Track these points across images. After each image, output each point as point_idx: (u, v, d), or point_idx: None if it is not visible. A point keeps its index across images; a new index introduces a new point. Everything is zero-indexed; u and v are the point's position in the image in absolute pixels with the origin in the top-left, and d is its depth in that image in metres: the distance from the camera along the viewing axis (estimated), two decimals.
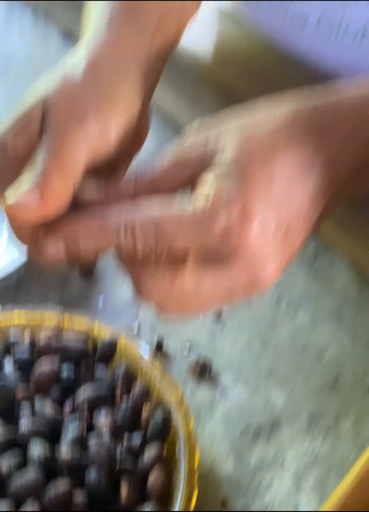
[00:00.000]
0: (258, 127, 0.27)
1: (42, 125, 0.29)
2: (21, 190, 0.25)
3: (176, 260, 0.24)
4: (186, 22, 0.42)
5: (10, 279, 0.45)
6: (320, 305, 0.43)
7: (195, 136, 0.27)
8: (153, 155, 0.28)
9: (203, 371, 0.40)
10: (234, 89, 0.47)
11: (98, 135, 0.29)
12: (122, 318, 0.43)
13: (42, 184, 0.26)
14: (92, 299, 0.45)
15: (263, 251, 0.24)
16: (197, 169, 0.26)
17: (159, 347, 0.41)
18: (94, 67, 0.31)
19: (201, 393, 0.39)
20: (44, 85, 0.31)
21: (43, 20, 0.79)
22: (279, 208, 0.24)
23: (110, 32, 0.34)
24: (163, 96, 0.57)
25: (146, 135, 0.35)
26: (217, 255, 0.24)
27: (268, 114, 0.28)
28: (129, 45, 0.34)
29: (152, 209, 0.24)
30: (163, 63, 0.38)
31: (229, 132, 0.27)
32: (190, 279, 0.24)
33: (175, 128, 0.59)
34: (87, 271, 0.47)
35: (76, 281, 0.46)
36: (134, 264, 0.25)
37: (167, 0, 0.37)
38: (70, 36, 0.75)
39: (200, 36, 0.53)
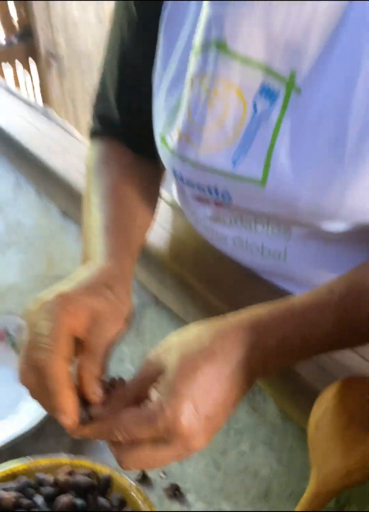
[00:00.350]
0: (190, 346, 0.44)
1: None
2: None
3: (139, 441, 0.42)
4: (149, 227, 0.65)
5: (32, 431, 0.63)
6: (256, 433, 0.60)
7: (151, 357, 0.45)
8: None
9: (175, 492, 0.56)
10: (184, 277, 0.67)
11: (113, 330, 0.47)
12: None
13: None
14: (94, 443, 0.62)
15: (190, 434, 0.41)
16: (154, 379, 0.44)
17: (144, 477, 0.58)
18: (105, 284, 0.49)
19: (173, 508, 0.55)
20: (75, 283, 0.48)
21: (45, 198, 1.01)
22: (200, 409, 0.41)
23: (110, 257, 0.53)
24: (140, 272, 0.77)
25: (129, 322, 0.52)
26: (163, 439, 0.42)
27: (201, 334, 0.44)
28: (124, 264, 0.54)
29: (126, 416, 0.42)
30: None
31: (169, 352, 0.44)
32: (146, 451, 0.42)
33: (148, 294, 0.78)
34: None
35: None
36: (115, 445, 0.43)
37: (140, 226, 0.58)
38: (68, 215, 0.96)
39: (159, 230, 0.74)
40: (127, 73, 0.66)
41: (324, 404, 0.48)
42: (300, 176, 0.52)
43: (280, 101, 0.52)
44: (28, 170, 1.03)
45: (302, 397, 0.55)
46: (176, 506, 0.55)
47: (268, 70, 0.52)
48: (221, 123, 0.55)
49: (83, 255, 0.58)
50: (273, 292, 0.63)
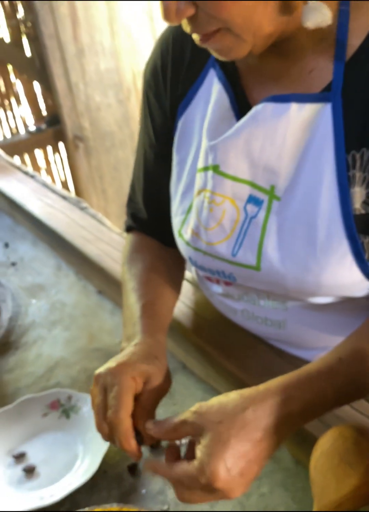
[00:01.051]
0: (227, 413, 0.54)
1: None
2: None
3: (192, 488, 0.54)
4: (175, 304, 0.80)
5: (86, 485, 0.75)
6: (274, 478, 0.71)
7: (193, 416, 0.56)
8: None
9: None
10: (203, 346, 0.80)
11: (161, 388, 0.63)
12: (157, 502, 0.72)
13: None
14: (138, 491, 0.74)
15: (227, 488, 0.53)
16: (194, 433, 0.56)
17: None
18: (148, 352, 0.66)
19: None
20: (124, 356, 0.64)
21: (83, 279, 1.17)
22: (233, 470, 0.52)
23: (149, 335, 0.69)
24: (169, 343, 0.90)
25: (170, 382, 0.68)
26: (207, 489, 0.53)
27: (236, 403, 0.55)
28: (159, 339, 0.70)
29: (178, 470, 0.55)
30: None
31: (209, 415, 0.55)
32: (199, 494, 0.54)
33: (177, 361, 0.91)
34: (132, 469, 0.77)
35: (128, 479, 0.76)
36: (177, 485, 0.55)
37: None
38: (103, 293, 1.11)
39: (182, 305, 0.88)
40: (150, 183, 0.83)
41: (320, 448, 0.59)
42: (284, 264, 0.65)
43: (265, 206, 0.67)
44: (67, 256, 1.19)
45: (306, 444, 0.66)
46: None
47: (253, 185, 0.67)
48: (220, 224, 0.70)
49: (124, 334, 0.74)
50: (277, 354, 0.75)
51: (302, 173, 0.63)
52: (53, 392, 0.87)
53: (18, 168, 1.47)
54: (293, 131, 0.62)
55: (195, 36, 0.59)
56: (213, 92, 0.69)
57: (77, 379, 0.94)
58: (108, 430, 0.62)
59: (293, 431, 0.58)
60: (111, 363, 0.64)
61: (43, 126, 2.68)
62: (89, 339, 1.03)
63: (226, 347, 0.78)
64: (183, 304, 0.88)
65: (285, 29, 0.58)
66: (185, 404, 0.85)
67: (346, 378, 0.57)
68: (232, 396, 0.57)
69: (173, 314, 0.86)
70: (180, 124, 0.75)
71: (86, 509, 0.69)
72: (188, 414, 0.57)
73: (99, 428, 0.64)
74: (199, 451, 0.54)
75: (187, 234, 0.75)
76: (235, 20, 0.54)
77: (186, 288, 0.91)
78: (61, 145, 2.72)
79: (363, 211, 0.61)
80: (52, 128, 2.67)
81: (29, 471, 0.79)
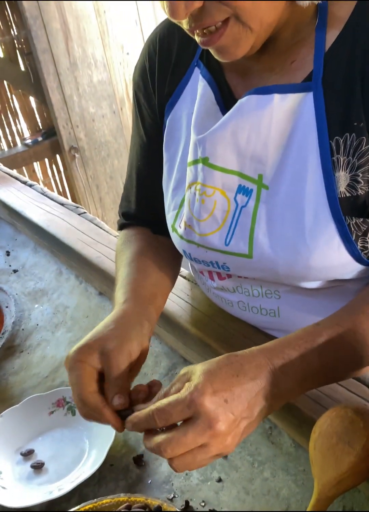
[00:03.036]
0: (211, 364, 0.56)
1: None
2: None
3: (174, 424, 0.55)
4: (167, 295, 0.82)
5: (94, 478, 0.77)
6: (276, 462, 0.73)
7: (179, 377, 0.58)
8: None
9: None
10: (203, 338, 0.82)
11: (123, 359, 0.64)
12: (163, 491, 0.74)
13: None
14: (144, 482, 0.76)
15: (212, 410, 0.52)
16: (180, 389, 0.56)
17: (187, 505, 0.71)
18: (116, 323, 0.68)
19: None
20: (92, 333, 0.67)
21: (84, 282, 1.19)
22: (219, 392, 0.53)
23: (124, 306, 0.71)
24: (169, 338, 0.93)
25: (146, 356, 0.70)
26: (191, 419, 0.53)
27: (219, 360, 0.57)
28: (134, 314, 0.71)
29: (161, 402, 0.55)
30: (156, 315, 0.75)
31: (196, 367, 0.57)
32: (178, 432, 0.54)
33: (178, 355, 0.94)
34: (138, 460, 0.79)
35: (134, 470, 0.78)
36: (164, 449, 0.54)
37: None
38: (103, 294, 1.13)
39: (181, 301, 0.90)
40: (142, 182, 0.86)
41: (318, 429, 0.61)
42: (275, 249, 0.68)
43: (254, 195, 0.69)
44: (67, 260, 1.22)
45: (305, 427, 0.68)
46: None
47: (241, 175, 0.70)
48: (212, 215, 0.73)
49: (114, 299, 0.76)
50: None
51: (287, 161, 0.66)
52: (58, 391, 0.90)
53: (17, 178, 1.50)
54: (277, 121, 0.65)
55: (199, 39, 0.60)
56: (198, 89, 0.72)
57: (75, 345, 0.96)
58: (84, 411, 0.64)
59: (277, 387, 0.58)
60: (77, 344, 0.67)
61: (40, 138, 2.72)
62: None
63: (225, 339, 0.80)
64: (181, 299, 0.90)
65: (282, 18, 0.60)
66: None
67: (327, 340, 0.59)
68: (218, 360, 0.58)
69: (172, 309, 0.89)
70: (168, 122, 0.77)
71: (94, 500, 0.71)
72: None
73: (80, 412, 0.65)
74: (184, 388, 0.55)
75: (180, 228, 0.78)
76: (245, 5, 0.55)
77: (184, 284, 0.94)
78: (57, 156, 2.76)
79: (348, 194, 0.64)
80: (49, 140, 2.71)
81: (38, 467, 0.81)
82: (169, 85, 0.76)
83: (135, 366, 0.68)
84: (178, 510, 0.67)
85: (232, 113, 0.67)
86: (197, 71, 0.73)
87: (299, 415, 0.69)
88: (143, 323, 0.70)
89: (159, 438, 0.55)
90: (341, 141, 0.63)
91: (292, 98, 0.64)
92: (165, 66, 0.76)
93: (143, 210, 0.87)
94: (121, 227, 0.91)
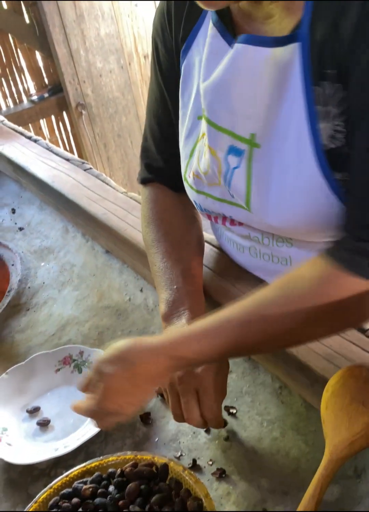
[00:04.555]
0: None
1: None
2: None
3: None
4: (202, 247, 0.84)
5: (100, 436, 0.76)
6: (285, 422, 0.72)
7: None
8: None
9: (221, 475, 0.68)
10: (214, 299, 0.80)
11: None
12: (170, 449, 0.73)
13: None
14: (151, 440, 0.75)
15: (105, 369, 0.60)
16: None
17: (194, 464, 0.70)
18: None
19: (221, 488, 0.67)
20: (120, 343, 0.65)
21: (90, 240, 1.16)
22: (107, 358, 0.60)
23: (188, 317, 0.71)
24: None
25: None
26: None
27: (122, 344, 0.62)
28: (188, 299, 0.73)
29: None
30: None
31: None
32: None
33: None
34: (145, 418, 0.78)
35: (141, 429, 0.77)
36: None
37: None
38: (110, 252, 1.11)
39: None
40: (161, 129, 0.84)
41: (330, 389, 0.59)
42: (266, 207, 0.67)
43: (246, 155, 0.68)
44: (73, 217, 1.19)
45: (317, 386, 0.66)
46: (223, 485, 0.67)
47: (233, 135, 0.68)
48: (210, 170, 0.73)
49: (163, 297, 0.76)
50: None
51: (279, 116, 0.64)
52: (65, 348, 0.88)
53: (21, 134, 1.46)
54: (270, 75, 0.63)
55: None
56: (208, 35, 0.69)
57: (88, 336, 0.94)
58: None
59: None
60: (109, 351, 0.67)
61: (46, 94, 2.65)
62: (99, 298, 1.04)
63: (235, 297, 0.78)
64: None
65: None
66: None
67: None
68: (122, 343, 0.63)
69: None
70: (183, 68, 0.76)
71: (100, 457, 0.70)
72: None
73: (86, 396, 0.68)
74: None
75: (190, 177, 0.77)
76: None
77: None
78: (64, 113, 2.70)
79: (332, 146, 0.61)
80: (55, 96, 2.64)
81: (44, 425, 0.80)
82: (184, 30, 0.74)
83: None
84: (185, 468, 0.66)
85: (227, 63, 0.65)
86: (208, 16, 0.70)
87: (310, 374, 0.67)
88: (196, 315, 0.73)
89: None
90: (321, 89, 0.59)
91: (283, 51, 0.61)
92: (180, 10, 0.74)
93: (166, 161, 0.85)
94: (143, 181, 0.89)
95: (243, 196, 0.70)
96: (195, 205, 0.80)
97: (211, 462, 0.70)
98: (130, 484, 0.64)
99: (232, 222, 0.77)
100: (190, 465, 0.70)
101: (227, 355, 0.67)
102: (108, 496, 0.64)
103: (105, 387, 0.62)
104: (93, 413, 0.65)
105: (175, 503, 0.62)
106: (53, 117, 2.71)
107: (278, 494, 0.64)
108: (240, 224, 0.76)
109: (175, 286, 0.75)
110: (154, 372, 0.62)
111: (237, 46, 0.64)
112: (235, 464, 0.69)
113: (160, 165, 0.85)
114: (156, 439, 0.75)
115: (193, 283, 0.76)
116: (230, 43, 0.66)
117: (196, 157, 0.75)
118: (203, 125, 0.72)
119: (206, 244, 0.91)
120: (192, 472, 0.65)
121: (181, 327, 0.70)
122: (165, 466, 0.65)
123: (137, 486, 0.64)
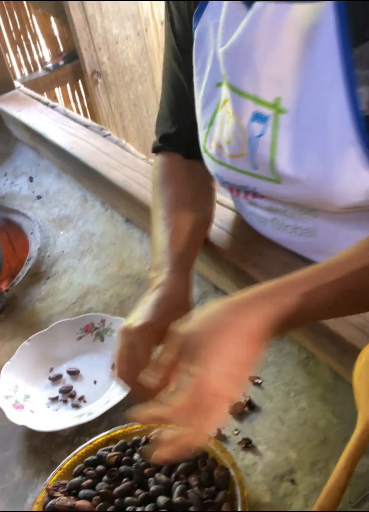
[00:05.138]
0: (205, 321, 0.51)
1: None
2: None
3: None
4: (210, 220, 0.79)
5: (123, 404, 0.75)
6: (313, 392, 0.70)
7: (171, 340, 0.53)
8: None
9: (247, 445, 0.67)
10: (239, 265, 0.78)
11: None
12: None
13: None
14: None
15: (196, 341, 0.49)
16: (176, 358, 0.52)
17: (219, 433, 0.69)
18: (161, 299, 0.64)
19: (247, 458, 0.66)
20: (137, 313, 0.63)
21: (109, 209, 1.14)
22: (203, 329, 0.49)
23: (167, 279, 0.67)
24: (200, 266, 0.89)
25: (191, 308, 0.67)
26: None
27: (216, 310, 0.51)
28: (183, 273, 0.68)
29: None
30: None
31: (187, 338, 0.51)
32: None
33: (209, 284, 0.90)
34: None
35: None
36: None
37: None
38: (130, 221, 1.09)
39: (215, 227, 0.85)
40: (176, 95, 0.80)
41: (364, 358, 0.57)
42: (298, 176, 0.63)
43: (270, 122, 0.64)
44: (92, 185, 1.17)
45: (347, 356, 0.64)
46: (249, 455, 0.66)
47: (257, 100, 0.64)
48: (235, 139, 0.68)
49: (152, 262, 0.72)
50: None
51: (307, 80, 0.60)
52: (86, 316, 0.87)
53: (38, 100, 1.43)
54: (295, 35, 0.59)
55: None
56: None
57: (109, 304, 0.93)
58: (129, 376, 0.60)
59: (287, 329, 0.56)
60: (134, 321, 0.62)
61: (61, 62, 2.59)
62: (119, 267, 1.02)
63: (263, 265, 0.75)
64: (214, 225, 0.85)
65: None
66: None
67: (334, 280, 0.50)
68: (212, 305, 0.52)
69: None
70: (196, 33, 0.72)
71: (125, 425, 0.69)
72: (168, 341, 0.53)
73: (120, 373, 0.61)
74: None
75: (211, 148, 0.73)
76: None
77: (217, 208, 0.88)
78: (79, 82, 2.65)
79: None
80: (70, 64, 2.59)
81: (66, 392, 0.80)
82: None
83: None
84: (211, 436, 0.64)
85: (247, 24, 0.61)
86: None
87: (340, 344, 0.65)
88: (189, 290, 0.69)
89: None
90: (360, 52, 0.55)
91: (311, 7, 0.57)
92: None
93: (179, 127, 0.81)
94: (155, 150, 0.86)
95: (267, 166, 0.66)
96: (216, 178, 0.77)
97: (236, 432, 0.69)
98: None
99: (254, 195, 0.74)
100: (215, 435, 0.69)
101: (338, 307, 0.53)
102: (134, 464, 0.64)
103: (205, 369, 0.48)
104: (181, 415, 0.49)
105: (202, 473, 0.61)
106: (68, 86, 2.66)
107: (306, 465, 0.63)
108: (262, 196, 0.73)
109: (160, 250, 0.71)
110: (256, 329, 0.49)
111: (257, 4, 0.60)
112: (260, 434, 0.68)
113: (173, 132, 0.82)
114: None
115: (178, 246, 0.71)
116: (248, 5, 0.62)
117: (217, 126, 0.71)
118: (224, 92, 0.68)
119: (229, 211, 0.88)
120: (218, 442, 0.64)
121: (161, 292, 0.65)
122: None
123: None
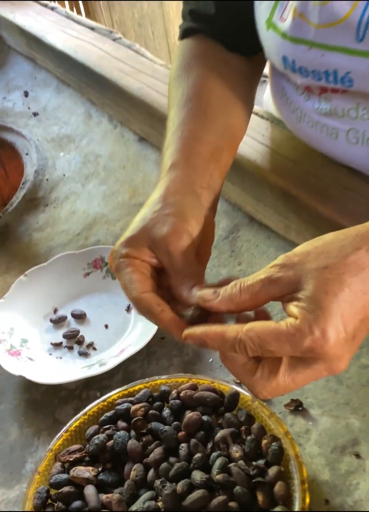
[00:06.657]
0: (332, 256, 0.38)
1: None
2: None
3: (274, 360, 0.38)
4: (236, 148, 0.58)
5: (141, 353, 0.62)
6: None
7: (282, 270, 0.39)
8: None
9: (297, 408, 0.54)
10: (286, 189, 0.62)
11: (183, 243, 0.45)
12: (229, 373, 0.58)
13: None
14: (204, 360, 0.61)
15: (337, 355, 0.37)
16: (285, 292, 0.39)
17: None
18: (165, 199, 0.47)
19: (298, 424, 0.54)
20: (137, 219, 0.47)
21: (119, 126, 0.98)
22: (347, 326, 0.36)
23: (172, 174, 0.50)
24: (233, 192, 0.73)
25: (213, 233, 0.50)
26: (304, 360, 0.37)
27: (342, 243, 0.38)
28: (186, 181, 0.50)
29: (263, 330, 0.37)
30: (221, 179, 0.53)
31: (307, 262, 0.38)
32: (284, 376, 0.38)
33: (242, 214, 0.75)
34: None
35: (190, 346, 0.62)
36: (247, 375, 0.39)
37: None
38: (145, 139, 0.92)
39: (255, 143, 0.69)
40: None
41: None
42: None
43: None
44: (99, 98, 0.99)
45: None
46: (300, 420, 0.54)
47: None
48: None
49: (162, 163, 0.54)
50: None
51: None
52: (95, 249, 0.73)
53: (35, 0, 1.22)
54: None
55: None
56: None
57: (120, 237, 0.79)
58: (141, 310, 0.46)
59: None
60: (122, 237, 0.48)
61: None
62: (131, 194, 0.87)
63: (318, 189, 0.60)
64: (254, 140, 0.69)
65: None
66: (254, 264, 0.70)
67: None
68: (329, 238, 0.40)
69: (241, 152, 0.67)
70: None
71: (146, 379, 0.56)
72: (270, 270, 0.39)
73: (137, 309, 0.47)
74: (297, 308, 0.37)
75: (285, 20, 0.55)
76: None
77: (257, 121, 0.72)
78: None
79: None
80: None
81: (72, 337, 0.66)
82: None
83: (201, 250, 0.48)
84: (255, 398, 0.52)
85: None
86: None
87: None
88: (200, 192, 0.50)
89: (255, 378, 0.39)
90: None
91: None
92: None
93: (218, 5, 0.61)
94: (186, 32, 0.65)
95: None
96: (284, 64, 0.57)
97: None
98: (190, 413, 0.50)
99: (334, 90, 0.56)
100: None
101: None
102: (164, 425, 0.51)
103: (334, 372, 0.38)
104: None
105: (246, 443, 0.48)
106: (67, 3, 2.41)
107: None
108: (344, 91, 0.55)
109: (168, 142, 0.54)
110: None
111: None
112: (313, 395, 0.55)
113: (210, 10, 0.62)
114: (211, 360, 0.61)
115: (190, 136, 0.53)
116: None
117: None
118: None
119: (269, 123, 0.72)
120: (263, 404, 0.51)
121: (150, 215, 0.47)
122: (236, 395, 0.51)
123: (199, 416, 0.50)
